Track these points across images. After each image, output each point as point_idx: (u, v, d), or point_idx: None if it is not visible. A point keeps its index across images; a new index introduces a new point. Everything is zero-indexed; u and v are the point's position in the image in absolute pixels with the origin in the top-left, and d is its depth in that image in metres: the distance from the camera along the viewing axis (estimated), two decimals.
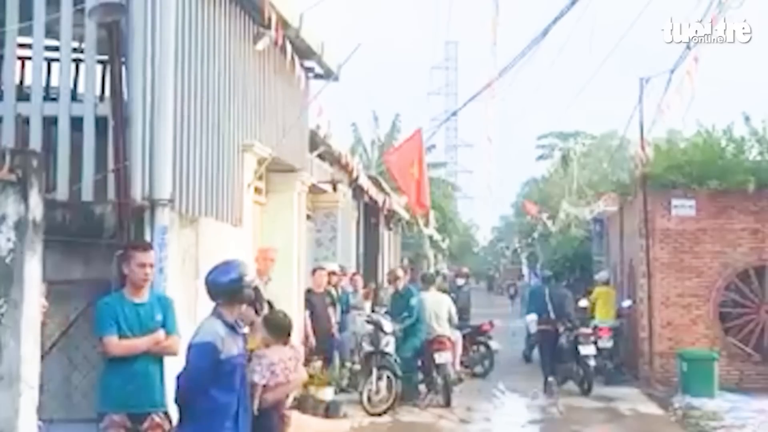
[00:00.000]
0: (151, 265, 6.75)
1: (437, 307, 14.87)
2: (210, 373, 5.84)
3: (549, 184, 51.95)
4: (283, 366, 7.09)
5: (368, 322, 14.31)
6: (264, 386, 6.92)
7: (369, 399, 13.25)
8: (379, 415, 13.03)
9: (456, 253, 65.90)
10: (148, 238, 7.54)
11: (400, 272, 15.49)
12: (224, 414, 5.89)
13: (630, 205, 19.10)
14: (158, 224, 7.62)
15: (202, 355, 5.86)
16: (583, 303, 19.29)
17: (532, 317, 17.02)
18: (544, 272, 19.78)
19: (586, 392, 15.72)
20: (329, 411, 12.56)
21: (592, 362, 15.94)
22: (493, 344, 18.41)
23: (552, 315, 16.41)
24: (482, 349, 18.25)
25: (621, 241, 20.34)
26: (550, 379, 16.05)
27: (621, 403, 14.95)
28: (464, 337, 17.41)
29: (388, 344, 13.83)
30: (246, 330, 6.21)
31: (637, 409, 14.52)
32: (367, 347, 14.00)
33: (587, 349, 15.92)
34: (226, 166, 9.73)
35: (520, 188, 70.29)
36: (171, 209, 7.83)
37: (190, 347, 5.96)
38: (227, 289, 6.00)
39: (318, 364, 12.67)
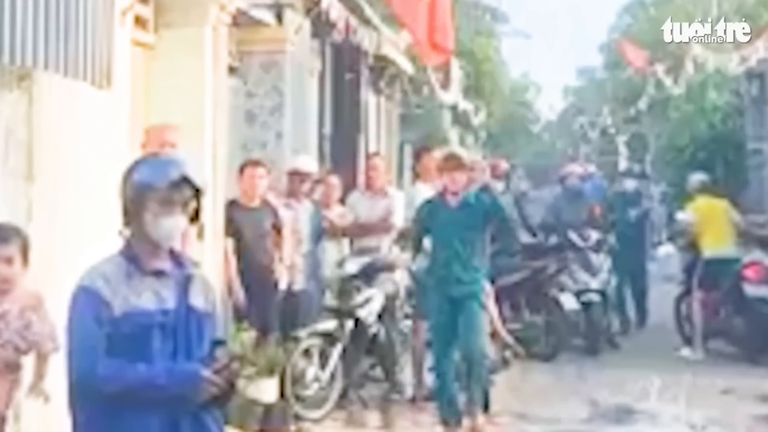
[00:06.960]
0: None
1: None
2: (95, 337, 5.81)
3: (667, 8, 51.86)
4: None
5: None
6: None
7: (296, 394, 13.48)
8: (318, 420, 13.39)
9: (498, 133, 66.00)
10: None
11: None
12: (143, 402, 5.83)
13: None
14: None
15: (76, 309, 5.89)
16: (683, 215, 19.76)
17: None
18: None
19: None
20: (270, 420, 12.77)
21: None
22: (566, 300, 18.25)
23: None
24: (545, 310, 18.29)
25: None
26: None
27: None
28: (510, 288, 17.43)
29: (369, 302, 14.06)
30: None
31: None
32: (330, 302, 14.19)
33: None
34: None
35: (615, 19, 70.29)
36: None
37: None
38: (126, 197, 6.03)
39: (249, 336, 12.55)
